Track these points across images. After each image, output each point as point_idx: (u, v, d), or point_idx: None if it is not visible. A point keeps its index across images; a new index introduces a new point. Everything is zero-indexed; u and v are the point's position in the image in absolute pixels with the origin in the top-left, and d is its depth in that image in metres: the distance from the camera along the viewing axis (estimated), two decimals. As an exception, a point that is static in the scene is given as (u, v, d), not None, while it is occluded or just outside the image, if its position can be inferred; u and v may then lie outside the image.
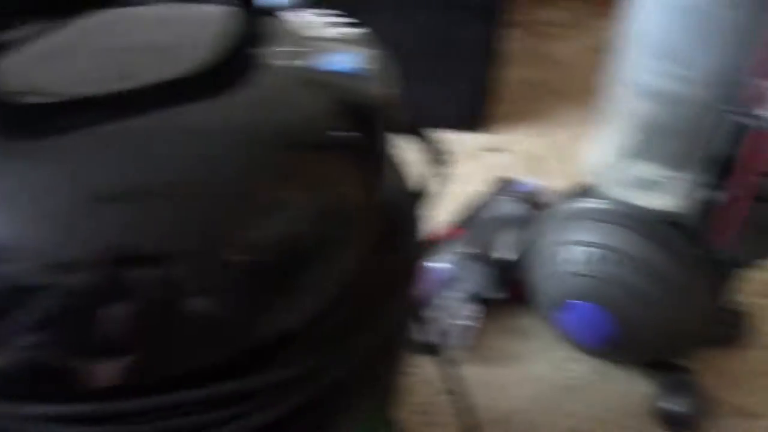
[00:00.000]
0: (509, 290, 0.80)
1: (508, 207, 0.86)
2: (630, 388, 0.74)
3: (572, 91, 1.22)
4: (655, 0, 0.59)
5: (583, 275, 0.69)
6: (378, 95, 0.40)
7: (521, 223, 0.82)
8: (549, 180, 1.01)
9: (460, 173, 1.00)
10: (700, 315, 0.68)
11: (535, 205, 0.86)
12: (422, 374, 0.75)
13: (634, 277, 0.66)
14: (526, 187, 0.94)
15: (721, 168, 0.58)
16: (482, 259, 0.79)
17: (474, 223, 0.87)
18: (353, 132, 0.38)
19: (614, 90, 0.67)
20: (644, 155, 0.66)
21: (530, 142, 1.09)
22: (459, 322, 0.77)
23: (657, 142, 0.65)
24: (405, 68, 1.08)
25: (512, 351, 0.78)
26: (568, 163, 1.05)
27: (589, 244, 0.68)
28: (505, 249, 0.80)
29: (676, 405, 0.70)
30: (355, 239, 0.38)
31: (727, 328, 0.77)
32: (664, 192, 0.65)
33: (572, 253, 0.69)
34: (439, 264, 0.82)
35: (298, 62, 0.38)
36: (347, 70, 0.39)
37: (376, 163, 0.41)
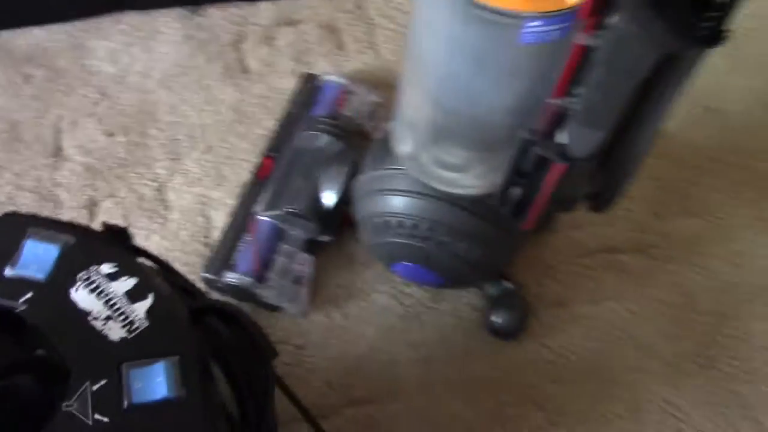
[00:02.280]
0: (337, 228, 0.82)
1: (322, 141, 0.84)
2: (463, 306, 0.82)
3: None
4: (445, 42, 0.54)
5: (408, 243, 0.72)
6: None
7: (339, 159, 0.81)
8: (349, 61, 0.97)
9: (260, 68, 0.95)
10: (515, 249, 0.75)
11: (349, 137, 0.84)
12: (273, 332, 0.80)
13: (455, 244, 0.70)
14: (332, 89, 0.90)
15: (523, 177, 0.60)
16: (305, 206, 0.79)
17: (288, 162, 0.84)
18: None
19: (407, 83, 0.63)
20: (445, 142, 0.65)
21: (323, 7, 1.02)
22: (294, 274, 0.79)
23: (456, 138, 0.64)
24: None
25: (353, 285, 0.82)
26: (367, 32, 1.00)
27: (409, 217, 0.70)
28: (327, 189, 0.80)
29: (502, 318, 0.79)
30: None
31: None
32: (469, 174, 0.67)
33: (394, 222, 0.71)
34: (264, 217, 0.81)
35: None
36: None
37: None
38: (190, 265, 0.82)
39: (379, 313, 0.81)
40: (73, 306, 0.37)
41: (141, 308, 0.38)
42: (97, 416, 0.34)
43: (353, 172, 0.79)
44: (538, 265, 0.85)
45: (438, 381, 0.78)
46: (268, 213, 0.81)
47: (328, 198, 0.80)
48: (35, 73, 0.94)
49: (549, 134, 0.57)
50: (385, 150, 0.73)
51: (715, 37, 0.44)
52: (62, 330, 0.36)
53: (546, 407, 0.76)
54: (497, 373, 0.78)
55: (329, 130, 0.84)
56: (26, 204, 0.85)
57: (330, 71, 0.96)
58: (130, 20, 0.99)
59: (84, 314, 0.37)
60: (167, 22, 0.99)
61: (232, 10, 1.01)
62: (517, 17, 0.47)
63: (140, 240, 0.83)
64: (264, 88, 0.95)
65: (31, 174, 0.87)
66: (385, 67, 0.98)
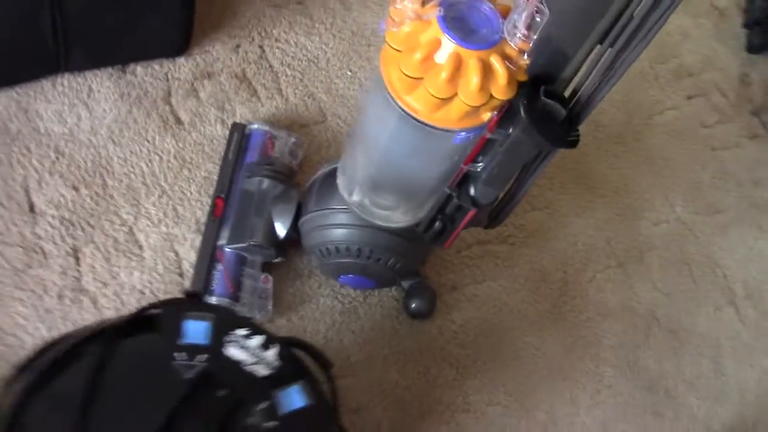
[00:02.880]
0: (287, 250, 1.05)
1: (264, 184, 1.06)
2: (387, 298, 1.09)
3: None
4: (389, 137, 0.78)
5: (352, 261, 0.97)
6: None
7: (284, 199, 1.04)
8: (263, 107, 1.19)
9: (191, 119, 1.14)
10: (429, 255, 1.03)
11: (286, 177, 1.07)
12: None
13: (389, 259, 0.96)
14: (259, 136, 1.12)
15: (443, 215, 0.87)
16: (263, 238, 1.02)
17: (240, 203, 1.05)
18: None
19: (353, 150, 0.88)
20: (381, 191, 0.91)
21: (231, 60, 1.21)
22: (260, 291, 1.02)
23: (390, 189, 0.90)
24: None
25: (302, 293, 1.07)
26: (273, 80, 1.22)
27: (353, 243, 0.95)
28: (278, 222, 1.03)
29: (416, 303, 1.07)
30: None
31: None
32: (398, 212, 0.92)
33: (342, 248, 0.96)
34: (230, 248, 1.02)
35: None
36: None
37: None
38: (171, 293, 1.02)
39: (326, 312, 1.06)
40: (230, 359, 0.59)
41: (271, 354, 0.60)
42: (268, 423, 0.57)
43: (298, 207, 1.02)
44: (435, 259, 1.14)
45: (377, 357, 1.05)
46: (234, 245, 1.02)
47: (280, 229, 1.03)
48: (-7, 139, 1.07)
49: (462, 188, 0.84)
50: (323, 192, 0.98)
51: (571, 141, 0.73)
52: (230, 375, 0.58)
53: (456, 365, 1.06)
54: (418, 346, 1.06)
55: (269, 175, 1.06)
56: (17, 257, 1.00)
57: (249, 117, 1.17)
58: (66, 82, 1.14)
59: (239, 363, 0.59)
60: (101, 81, 1.15)
61: (156, 68, 1.18)
62: (452, 131, 0.73)
63: (125, 278, 1.02)
64: (198, 136, 1.14)
65: (13, 231, 1.01)
66: (293, 109, 1.21)
